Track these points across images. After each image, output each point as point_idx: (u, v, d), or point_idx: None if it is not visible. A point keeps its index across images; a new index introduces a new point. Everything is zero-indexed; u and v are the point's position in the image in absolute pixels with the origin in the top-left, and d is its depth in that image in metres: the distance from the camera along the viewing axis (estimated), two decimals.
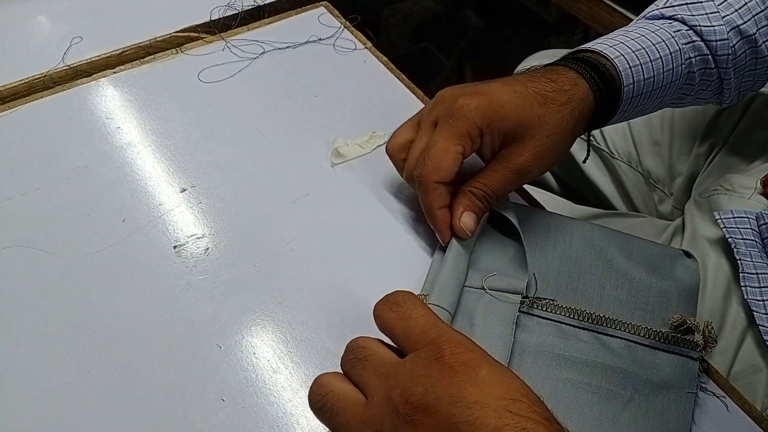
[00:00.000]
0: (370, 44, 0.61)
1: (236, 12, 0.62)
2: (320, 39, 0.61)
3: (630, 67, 0.42)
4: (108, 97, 0.55)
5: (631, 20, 0.52)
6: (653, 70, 0.43)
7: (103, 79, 0.56)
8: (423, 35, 1.71)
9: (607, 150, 0.70)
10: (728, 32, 0.46)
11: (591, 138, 0.68)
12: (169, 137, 0.52)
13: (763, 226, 0.48)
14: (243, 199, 0.48)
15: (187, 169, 0.49)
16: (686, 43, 0.45)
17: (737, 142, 0.64)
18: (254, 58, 0.59)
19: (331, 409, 0.29)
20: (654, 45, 0.44)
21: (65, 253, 0.44)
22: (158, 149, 0.51)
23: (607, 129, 0.70)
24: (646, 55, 0.43)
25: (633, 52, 0.42)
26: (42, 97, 0.54)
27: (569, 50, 0.76)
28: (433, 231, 0.42)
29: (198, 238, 0.45)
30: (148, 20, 0.61)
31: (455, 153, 0.38)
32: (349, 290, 0.42)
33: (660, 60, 0.43)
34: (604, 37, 0.45)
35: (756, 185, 0.55)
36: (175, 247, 0.44)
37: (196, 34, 0.60)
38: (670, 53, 0.44)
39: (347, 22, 0.63)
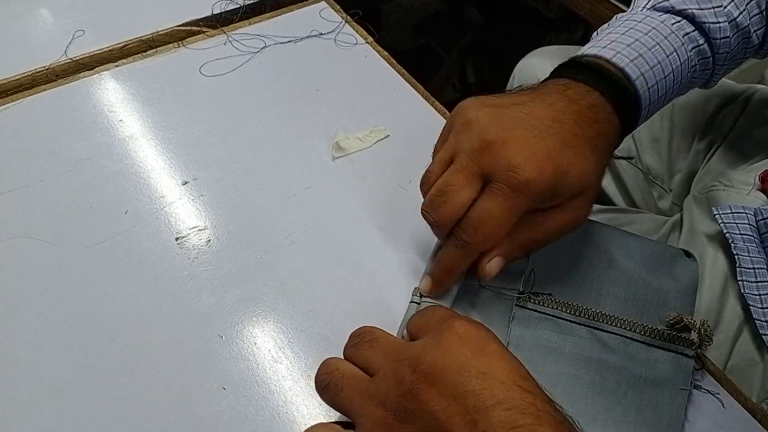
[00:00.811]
0: (371, 39, 0.61)
1: (238, 6, 0.63)
2: (321, 33, 0.62)
3: (648, 89, 0.41)
4: (110, 90, 0.55)
5: None
6: (665, 87, 0.42)
7: (105, 72, 0.57)
8: (424, 31, 1.72)
9: None
10: (729, 26, 0.46)
11: None
12: (171, 130, 0.52)
13: (761, 222, 0.49)
14: (244, 191, 0.48)
15: (188, 162, 0.50)
16: (693, 48, 0.45)
17: (736, 139, 0.65)
18: (255, 53, 0.59)
19: (336, 385, 0.29)
20: (668, 57, 0.42)
21: (68, 244, 0.44)
22: (160, 142, 0.51)
23: None
24: (661, 72, 0.42)
25: (651, 69, 0.41)
26: (45, 90, 0.54)
27: (571, 47, 0.75)
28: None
29: (200, 230, 0.45)
30: (150, 14, 0.62)
31: (510, 227, 0.35)
32: (349, 282, 0.43)
33: (672, 74, 0.43)
34: (618, 36, 0.43)
35: (754, 181, 0.55)
36: (177, 238, 0.45)
37: (198, 28, 0.60)
38: (681, 64, 0.43)
39: (348, 17, 0.63)
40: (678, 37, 0.44)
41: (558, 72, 0.41)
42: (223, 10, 0.62)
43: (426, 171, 0.39)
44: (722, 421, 0.37)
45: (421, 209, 0.37)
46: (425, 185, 0.38)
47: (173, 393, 0.37)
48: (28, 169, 0.49)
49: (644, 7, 0.47)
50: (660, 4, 0.46)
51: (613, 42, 0.42)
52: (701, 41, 0.45)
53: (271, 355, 0.39)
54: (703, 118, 0.67)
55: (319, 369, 0.31)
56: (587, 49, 0.42)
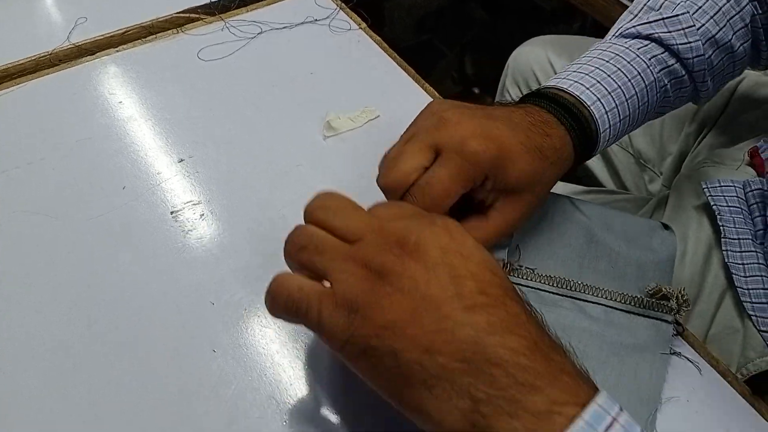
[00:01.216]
0: (364, 25, 0.63)
1: None
2: (316, 20, 0.63)
3: (606, 113, 0.42)
4: (110, 74, 0.57)
5: (626, 7, 0.52)
6: (629, 109, 0.43)
7: (106, 57, 0.58)
8: (427, 28, 1.73)
9: None
10: (704, 45, 0.46)
11: None
12: (168, 112, 0.54)
13: (749, 193, 0.50)
14: (238, 169, 0.50)
15: (185, 141, 0.52)
16: (662, 70, 0.45)
17: (726, 122, 0.65)
18: (252, 38, 0.61)
19: (316, 247, 0.29)
20: (630, 81, 0.43)
21: (69, 218, 0.46)
22: (158, 123, 0.53)
23: None
24: (622, 95, 0.43)
25: (609, 93, 0.42)
26: (47, 74, 0.56)
27: (565, 36, 0.77)
28: None
29: (194, 204, 0.47)
30: (151, 2, 0.63)
31: (456, 195, 0.36)
32: None
33: (635, 97, 0.43)
34: (579, 66, 0.44)
35: (744, 157, 0.56)
36: (172, 212, 0.46)
37: (197, 15, 0.62)
38: (646, 86, 0.44)
39: (342, 4, 0.65)
40: (643, 60, 0.44)
41: (519, 100, 0.43)
42: None
43: (385, 153, 0.40)
44: (697, 384, 0.38)
45: (376, 179, 0.39)
46: (382, 163, 0.39)
47: (166, 355, 0.38)
48: (32, 148, 0.50)
49: (613, 35, 0.48)
50: (627, 31, 0.47)
51: (573, 72, 0.43)
52: (671, 62, 0.45)
53: (260, 320, 0.40)
54: None
55: (293, 232, 0.31)
56: (549, 82, 0.44)
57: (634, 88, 0.43)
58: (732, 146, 0.63)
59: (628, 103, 0.43)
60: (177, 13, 0.62)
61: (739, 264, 0.46)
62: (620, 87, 0.43)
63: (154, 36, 0.60)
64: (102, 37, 0.60)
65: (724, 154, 0.58)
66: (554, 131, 0.39)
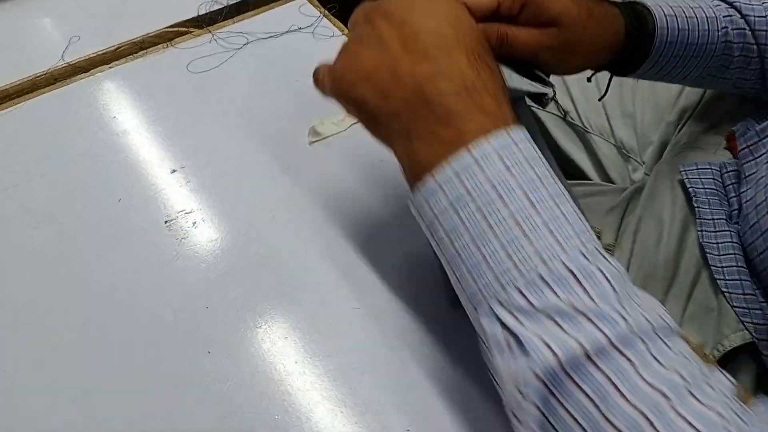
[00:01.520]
0: (347, 31, 0.65)
1: (222, 6, 0.66)
2: (300, 28, 0.65)
3: (665, 16, 0.45)
4: (104, 90, 0.59)
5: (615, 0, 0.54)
6: (688, 25, 0.46)
7: (99, 74, 0.61)
8: None
9: (581, 125, 0.72)
10: (766, 12, 0.49)
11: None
12: (160, 124, 0.56)
13: (726, 174, 0.51)
14: (228, 176, 0.52)
15: (177, 152, 0.54)
16: (724, 17, 0.48)
17: (705, 110, 0.66)
18: (238, 49, 0.63)
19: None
20: (691, 8, 0.47)
21: (67, 230, 0.48)
22: (151, 135, 0.55)
23: (580, 104, 0.72)
24: (683, 12, 0.46)
25: (670, 7, 0.46)
26: (44, 93, 0.59)
27: None
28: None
29: (187, 213, 0.49)
30: (141, 18, 0.66)
31: None
32: (324, 253, 0.46)
33: (695, 19, 0.47)
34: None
35: (721, 142, 0.58)
36: (166, 221, 0.49)
37: (185, 29, 0.64)
38: (707, 17, 0.47)
39: (326, 11, 0.67)
40: (706, 1, 0.48)
41: None
42: (208, 11, 0.66)
43: None
44: None
45: None
46: None
47: (161, 356, 0.41)
48: (31, 165, 0.53)
49: None
50: None
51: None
52: (733, 13, 0.49)
53: (253, 321, 0.42)
54: (674, 90, 0.69)
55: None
56: None
57: (695, 13, 0.47)
58: (711, 132, 0.65)
59: (687, 20, 0.46)
60: (166, 27, 0.64)
61: (714, 243, 0.48)
62: (681, 7, 0.46)
63: (145, 51, 0.63)
64: (95, 55, 0.62)
65: (702, 139, 0.60)
66: (607, 6, 0.42)
